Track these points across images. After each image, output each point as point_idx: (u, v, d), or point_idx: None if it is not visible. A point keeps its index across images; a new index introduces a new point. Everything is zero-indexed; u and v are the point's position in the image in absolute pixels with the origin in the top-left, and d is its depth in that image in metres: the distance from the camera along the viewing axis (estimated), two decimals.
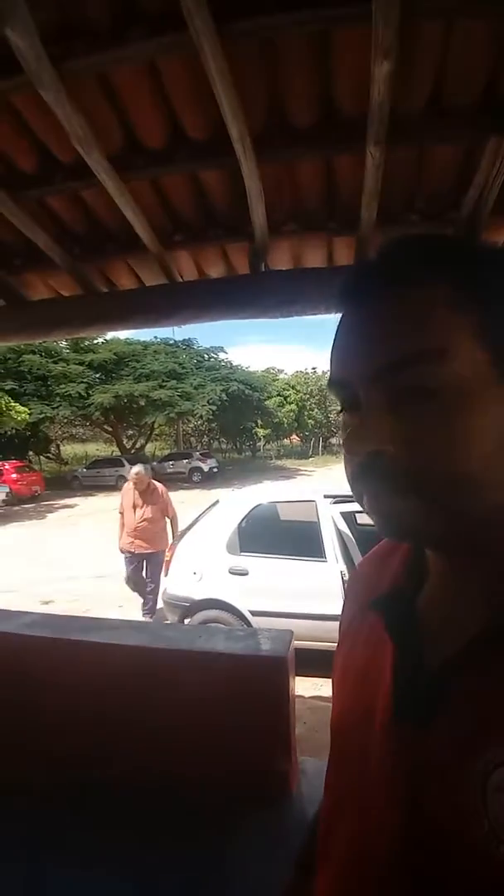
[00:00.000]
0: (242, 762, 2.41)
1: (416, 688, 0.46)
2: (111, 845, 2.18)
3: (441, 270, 0.45)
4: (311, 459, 36.83)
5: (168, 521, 5.96)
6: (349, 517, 4.69)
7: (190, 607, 4.61)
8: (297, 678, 2.61)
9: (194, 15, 1.29)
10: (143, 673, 2.49)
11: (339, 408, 0.52)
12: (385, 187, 1.95)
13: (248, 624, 4.45)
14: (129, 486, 5.96)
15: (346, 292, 0.50)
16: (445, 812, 0.41)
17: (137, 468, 5.98)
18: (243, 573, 4.62)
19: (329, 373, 0.51)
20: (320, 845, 0.56)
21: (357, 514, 4.92)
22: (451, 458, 0.43)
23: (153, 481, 5.97)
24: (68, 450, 37.71)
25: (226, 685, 2.41)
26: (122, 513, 6.04)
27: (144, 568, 5.98)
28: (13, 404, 18.59)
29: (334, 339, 0.50)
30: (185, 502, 17.75)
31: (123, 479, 24.47)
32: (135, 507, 5.81)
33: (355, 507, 4.71)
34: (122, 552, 6.02)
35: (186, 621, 4.60)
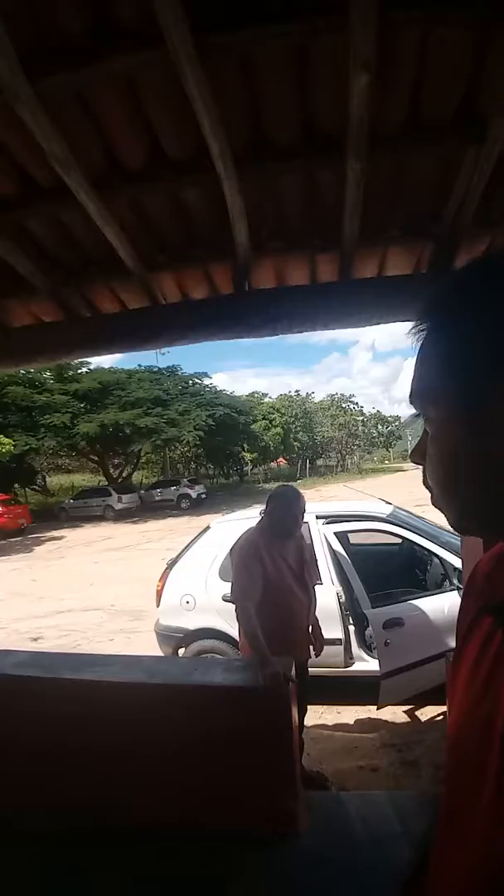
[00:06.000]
0: (244, 798, 2.29)
1: None
2: (105, 886, 2.04)
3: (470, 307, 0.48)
4: (298, 482, 36.72)
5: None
6: (343, 537, 4.61)
7: (184, 638, 4.45)
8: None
9: (172, 29, 1.28)
10: (138, 710, 2.37)
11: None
12: (366, 202, 1.95)
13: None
14: (256, 539, 2.78)
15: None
16: None
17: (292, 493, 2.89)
18: None
19: None
20: (433, 861, 0.53)
21: (350, 534, 4.85)
22: (465, 486, 0.50)
23: None
24: (54, 481, 37.22)
25: (225, 719, 2.29)
26: (242, 586, 2.63)
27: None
28: None
29: None
30: (174, 530, 17.63)
31: (111, 508, 24.43)
32: (296, 576, 2.83)
33: (349, 526, 4.65)
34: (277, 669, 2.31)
35: (181, 652, 4.45)
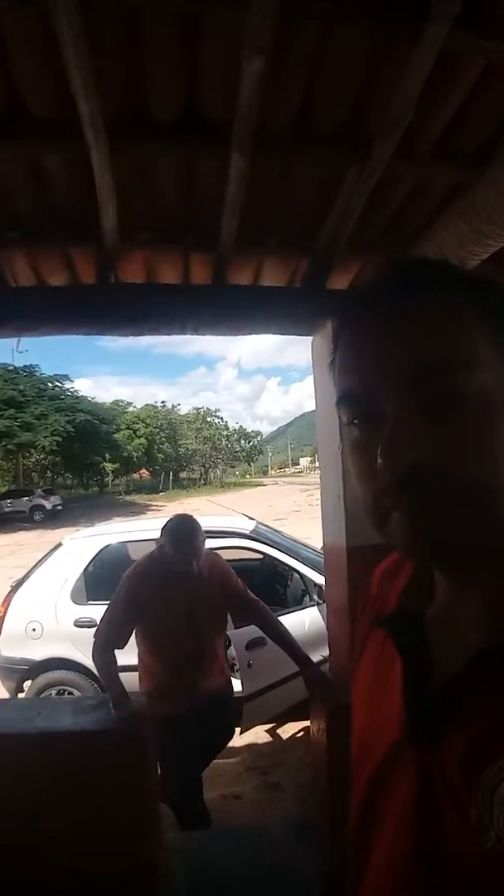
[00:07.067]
0: (102, 852, 2.00)
1: (424, 705, 0.48)
2: None
3: (463, 285, 0.49)
4: (161, 494, 36.28)
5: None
6: None
7: (29, 670, 3.94)
8: None
9: None
10: None
11: (347, 420, 0.50)
12: (247, 206, 1.85)
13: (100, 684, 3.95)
14: (144, 570, 2.47)
15: (367, 305, 0.50)
16: (455, 826, 0.42)
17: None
18: (92, 625, 4.12)
19: (341, 387, 0.50)
20: (353, 855, 0.56)
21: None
22: (488, 465, 0.44)
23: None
24: None
25: (76, 767, 2.00)
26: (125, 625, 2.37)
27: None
28: None
29: (346, 356, 0.50)
30: (24, 546, 16.18)
31: None
32: (187, 620, 2.42)
33: (211, 543, 4.51)
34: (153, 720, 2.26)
35: (26, 686, 3.95)
